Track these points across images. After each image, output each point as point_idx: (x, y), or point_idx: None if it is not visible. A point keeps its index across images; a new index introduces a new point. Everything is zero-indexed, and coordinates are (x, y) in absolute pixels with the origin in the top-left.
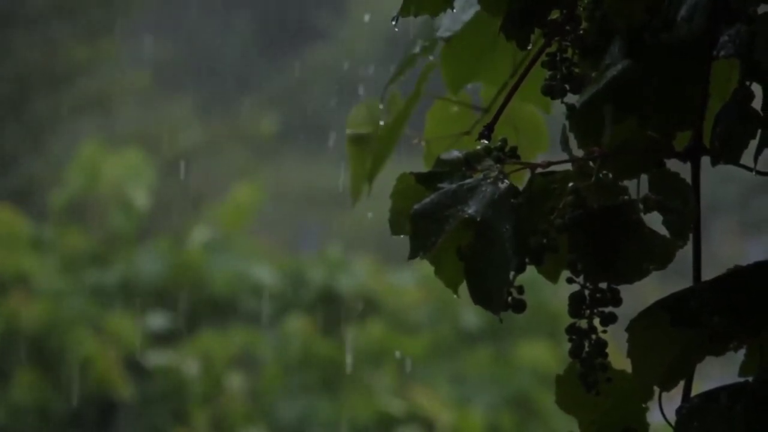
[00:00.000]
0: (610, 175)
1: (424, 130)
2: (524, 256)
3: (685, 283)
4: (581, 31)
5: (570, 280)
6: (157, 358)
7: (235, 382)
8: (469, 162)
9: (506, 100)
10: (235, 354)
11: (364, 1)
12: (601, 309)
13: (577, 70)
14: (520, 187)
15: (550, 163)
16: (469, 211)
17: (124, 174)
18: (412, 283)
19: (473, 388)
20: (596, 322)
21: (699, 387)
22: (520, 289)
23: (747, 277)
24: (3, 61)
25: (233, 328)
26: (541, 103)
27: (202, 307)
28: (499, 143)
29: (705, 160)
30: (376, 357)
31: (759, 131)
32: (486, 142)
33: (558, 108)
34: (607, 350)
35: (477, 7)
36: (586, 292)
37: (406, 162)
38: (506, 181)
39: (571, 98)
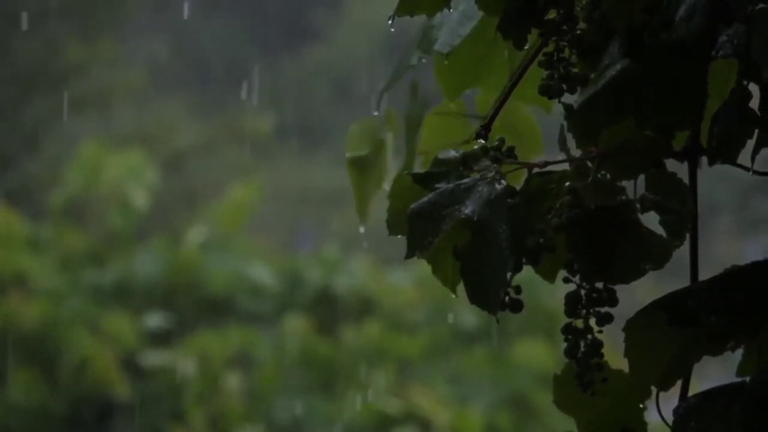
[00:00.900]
0: (608, 175)
1: (421, 140)
2: (521, 256)
3: (682, 283)
4: (579, 31)
5: (567, 280)
6: (154, 358)
7: (233, 381)
8: (466, 162)
9: (503, 100)
10: (232, 354)
11: (361, 0)
12: (597, 309)
13: (574, 70)
14: (517, 187)
15: (547, 163)
16: (466, 211)
17: (125, 174)
18: (409, 282)
19: (470, 387)
20: (592, 322)
21: (696, 387)
22: (518, 289)
23: (744, 277)
24: (0, 62)
25: (231, 327)
26: (540, 102)
27: (199, 307)
28: (497, 143)
29: (702, 160)
30: (373, 357)
31: (756, 131)
32: (483, 141)
33: (557, 107)
34: (604, 350)
35: (475, 21)
36: (583, 291)
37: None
38: (503, 181)
39: (569, 98)
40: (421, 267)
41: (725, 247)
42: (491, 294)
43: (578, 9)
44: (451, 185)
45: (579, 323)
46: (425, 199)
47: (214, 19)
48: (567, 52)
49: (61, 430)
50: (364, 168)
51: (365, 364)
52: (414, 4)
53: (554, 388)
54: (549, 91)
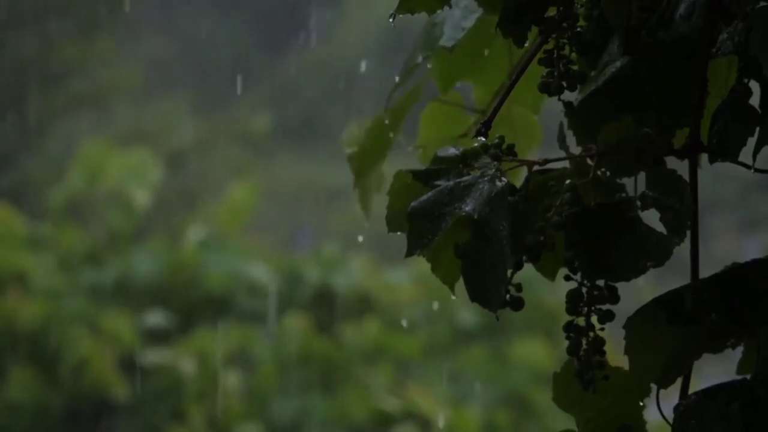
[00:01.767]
0: (608, 173)
1: (419, 132)
2: (521, 253)
3: (682, 280)
4: (578, 29)
5: (567, 278)
6: (153, 357)
7: (232, 380)
8: (467, 159)
9: (503, 97)
10: (231, 352)
11: None
12: (598, 306)
13: (574, 68)
14: (518, 185)
15: (547, 161)
16: (467, 209)
17: (128, 173)
18: (408, 281)
19: (469, 386)
20: (594, 319)
21: (697, 385)
22: (518, 287)
23: (744, 275)
24: None
25: (229, 326)
26: (529, 103)
27: (198, 306)
28: (497, 140)
29: (702, 158)
30: (372, 355)
31: (758, 129)
32: (483, 139)
33: (556, 105)
34: (605, 348)
35: (478, 13)
36: (584, 289)
37: (398, 157)
38: (503, 178)
39: (568, 95)
40: (420, 265)
41: (725, 244)
42: (491, 292)
43: (578, 6)
44: (451, 183)
45: (580, 321)
46: (425, 196)
47: (212, 17)
48: (567, 49)
49: (59, 429)
50: (365, 163)
51: (364, 363)
52: (415, 1)
53: (554, 385)
54: (549, 89)
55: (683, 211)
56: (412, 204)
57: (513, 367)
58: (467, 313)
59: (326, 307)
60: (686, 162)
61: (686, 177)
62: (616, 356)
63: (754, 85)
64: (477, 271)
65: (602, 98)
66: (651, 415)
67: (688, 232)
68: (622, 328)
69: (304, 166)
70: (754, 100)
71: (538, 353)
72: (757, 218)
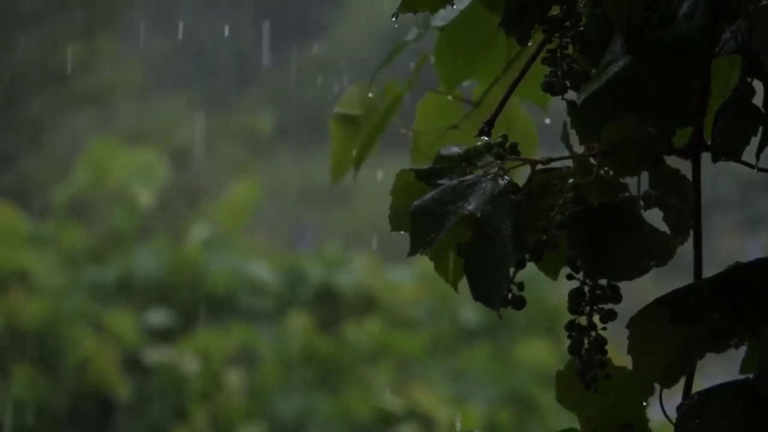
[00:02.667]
0: (611, 172)
1: (414, 121)
2: (524, 252)
3: (685, 280)
4: (581, 28)
5: (570, 277)
6: (155, 356)
7: (234, 379)
8: (470, 158)
9: (505, 96)
10: (233, 351)
11: None
12: (600, 306)
13: (577, 67)
14: (520, 184)
15: (550, 160)
16: (469, 208)
17: (134, 172)
18: (410, 279)
19: (472, 385)
20: (596, 319)
21: (700, 384)
22: (520, 286)
23: (747, 275)
24: (0, 58)
25: (232, 325)
26: (538, 99)
27: (200, 305)
28: (500, 139)
29: (705, 157)
30: (374, 354)
31: (761, 128)
32: (486, 138)
33: (559, 105)
34: (607, 347)
35: None
36: (586, 288)
37: (393, 154)
38: (506, 177)
39: (571, 95)
40: (423, 264)
41: (728, 244)
42: (494, 290)
43: (581, 5)
44: (454, 182)
45: (583, 320)
46: (428, 195)
47: (215, 15)
48: (570, 48)
49: (62, 428)
50: (349, 126)
51: (366, 362)
52: (417, 0)
53: (557, 384)
54: (552, 88)
55: (686, 210)
56: (415, 203)
57: (516, 366)
58: (470, 312)
59: (329, 306)
60: (689, 161)
61: (689, 176)
62: (620, 356)
63: (758, 85)
64: (479, 269)
65: (604, 97)
66: (654, 414)
67: (692, 232)
68: (626, 328)
69: (306, 164)
70: (757, 100)
71: (540, 352)
72: (760, 218)
